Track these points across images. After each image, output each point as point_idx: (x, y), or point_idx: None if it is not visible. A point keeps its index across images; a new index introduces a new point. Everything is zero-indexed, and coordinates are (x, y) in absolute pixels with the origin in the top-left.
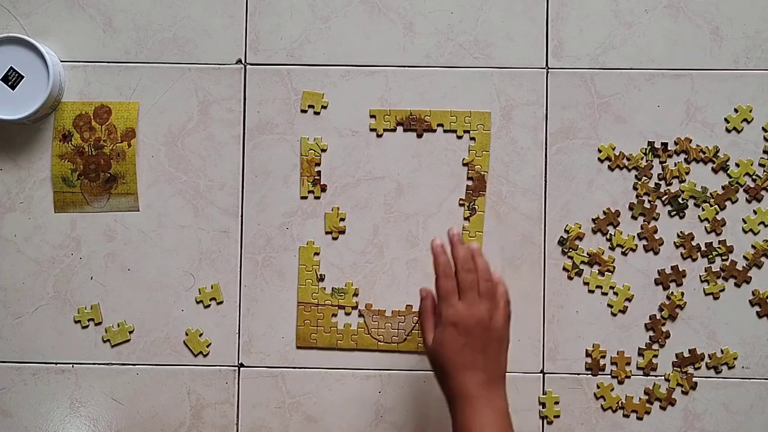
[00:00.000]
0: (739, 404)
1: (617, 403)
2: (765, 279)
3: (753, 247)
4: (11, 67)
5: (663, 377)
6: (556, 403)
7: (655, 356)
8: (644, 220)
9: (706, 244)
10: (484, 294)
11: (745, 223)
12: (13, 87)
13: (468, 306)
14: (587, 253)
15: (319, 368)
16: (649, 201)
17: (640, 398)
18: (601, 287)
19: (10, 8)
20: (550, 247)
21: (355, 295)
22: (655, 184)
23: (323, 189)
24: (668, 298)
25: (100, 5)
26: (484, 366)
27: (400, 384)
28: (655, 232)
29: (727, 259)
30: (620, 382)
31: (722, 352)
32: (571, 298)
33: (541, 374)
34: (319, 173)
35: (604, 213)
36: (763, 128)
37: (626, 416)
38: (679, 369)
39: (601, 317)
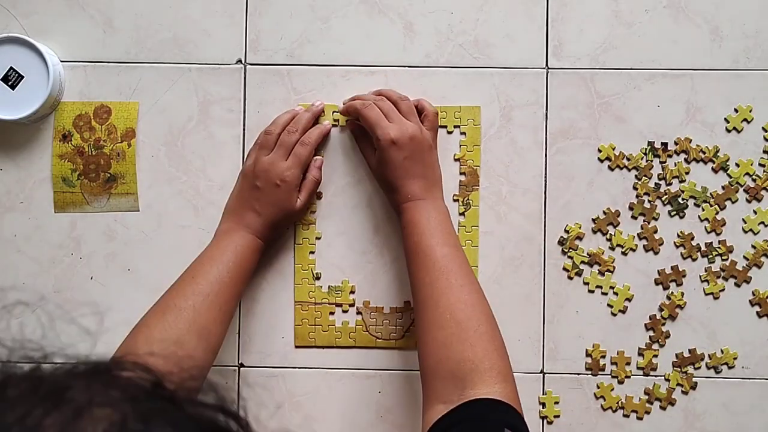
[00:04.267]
0: (739, 404)
1: (617, 403)
2: (765, 279)
3: (753, 247)
4: (11, 67)
5: (663, 377)
6: (556, 403)
7: (655, 356)
8: (644, 220)
9: (706, 244)
10: (407, 112)
11: (745, 223)
12: (13, 87)
13: (398, 125)
14: (587, 253)
15: (319, 368)
16: (649, 201)
17: (640, 398)
18: (601, 287)
19: (10, 8)
20: (550, 247)
21: (352, 292)
22: (655, 184)
23: (318, 197)
24: (668, 298)
25: (100, 5)
26: (423, 173)
27: (400, 384)
28: (655, 232)
29: (727, 259)
30: (620, 382)
31: (722, 352)
32: (571, 298)
33: (541, 374)
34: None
35: (604, 213)
36: (763, 128)
37: (626, 416)
38: (679, 369)
39: (601, 317)
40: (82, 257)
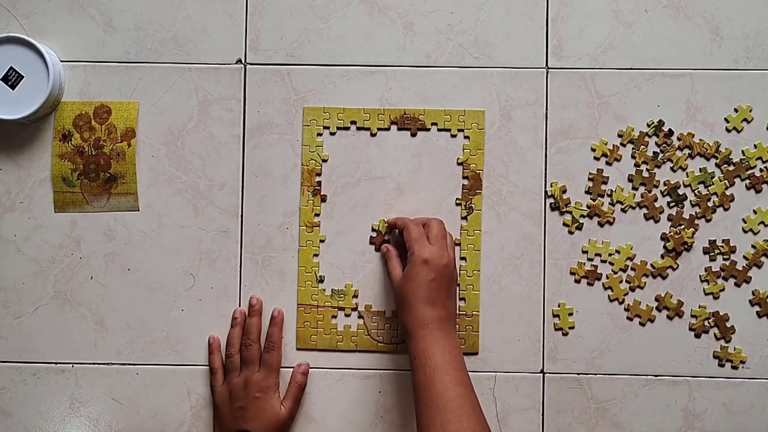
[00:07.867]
0: (739, 404)
1: (624, 295)
2: (765, 279)
3: (753, 246)
4: (11, 67)
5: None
6: (570, 314)
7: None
8: (645, 189)
9: (710, 241)
10: (447, 245)
11: (745, 223)
12: (13, 87)
13: (437, 249)
14: (586, 206)
15: (319, 368)
16: (648, 170)
17: (647, 305)
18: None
19: (10, 8)
20: (550, 247)
21: (355, 296)
22: (654, 152)
23: (323, 199)
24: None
25: (100, 5)
26: (445, 304)
27: (400, 384)
28: (655, 200)
29: (727, 259)
30: (632, 289)
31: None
32: (571, 297)
33: (541, 374)
34: (319, 183)
35: (590, 179)
36: (766, 128)
37: (629, 319)
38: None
39: (601, 317)
40: (82, 257)
